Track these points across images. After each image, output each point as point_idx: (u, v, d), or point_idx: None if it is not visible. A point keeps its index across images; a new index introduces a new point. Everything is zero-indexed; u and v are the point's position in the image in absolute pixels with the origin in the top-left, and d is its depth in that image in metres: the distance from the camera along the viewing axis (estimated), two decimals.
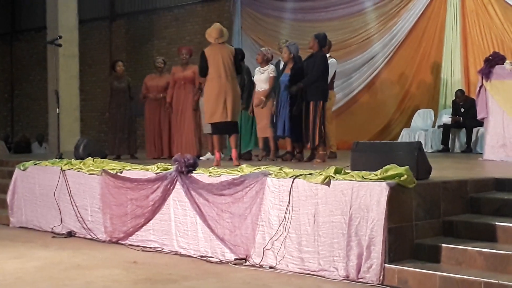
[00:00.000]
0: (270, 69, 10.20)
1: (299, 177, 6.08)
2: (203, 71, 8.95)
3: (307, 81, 9.32)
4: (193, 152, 10.77)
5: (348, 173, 5.92)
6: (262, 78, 10.18)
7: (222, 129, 9.00)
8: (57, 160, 9.16)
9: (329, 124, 10.28)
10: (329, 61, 10.33)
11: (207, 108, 8.95)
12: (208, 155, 10.85)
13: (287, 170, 6.36)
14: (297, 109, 9.46)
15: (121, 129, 11.68)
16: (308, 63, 9.51)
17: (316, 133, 9.24)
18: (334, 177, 5.84)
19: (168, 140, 11.33)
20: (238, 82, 9.23)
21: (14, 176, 9.41)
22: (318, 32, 10.08)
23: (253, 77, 10.53)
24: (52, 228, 8.61)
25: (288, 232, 6.07)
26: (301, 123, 9.41)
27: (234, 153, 8.90)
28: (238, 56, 9.13)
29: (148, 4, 19.08)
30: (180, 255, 6.99)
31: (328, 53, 10.70)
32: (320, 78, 9.36)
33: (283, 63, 10.27)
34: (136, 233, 7.58)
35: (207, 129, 10.50)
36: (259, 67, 10.36)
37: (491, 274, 5.11)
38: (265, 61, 10.28)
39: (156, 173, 7.44)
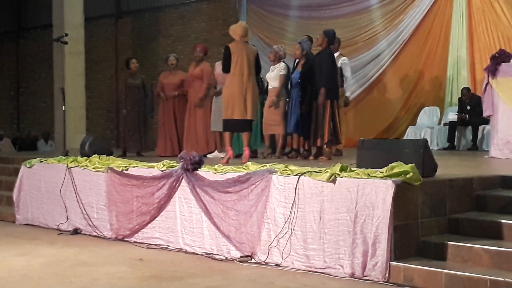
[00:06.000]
0: (280, 67, 10.16)
1: (305, 174, 6.08)
2: (227, 66, 8.87)
3: (321, 84, 9.25)
4: (207, 149, 10.80)
5: (354, 170, 5.91)
6: (271, 76, 10.15)
7: (235, 126, 8.95)
8: (63, 157, 9.17)
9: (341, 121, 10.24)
10: (341, 60, 10.36)
11: (228, 104, 8.87)
12: (216, 153, 10.83)
13: (292, 167, 6.36)
14: (306, 107, 9.46)
15: (134, 127, 11.66)
16: (316, 61, 9.47)
17: (325, 131, 9.21)
18: (339, 175, 5.84)
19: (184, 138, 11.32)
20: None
21: (20, 174, 9.42)
22: (323, 29, 10.05)
23: (262, 76, 10.55)
24: (58, 226, 8.62)
25: (293, 230, 6.07)
26: (311, 121, 9.41)
27: (247, 152, 8.81)
28: (259, 57, 9.14)
29: (153, 2, 19.10)
30: (186, 252, 6.99)
31: (337, 51, 10.69)
32: (330, 77, 9.32)
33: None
34: (141, 230, 7.59)
35: (215, 126, 10.50)
36: (273, 65, 10.37)
37: (497, 271, 5.10)
38: (277, 59, 10.25)
39: (162, 171, 7.45)
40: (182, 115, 11.39)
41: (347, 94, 10.95)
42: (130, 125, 11.71)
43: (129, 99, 11.77)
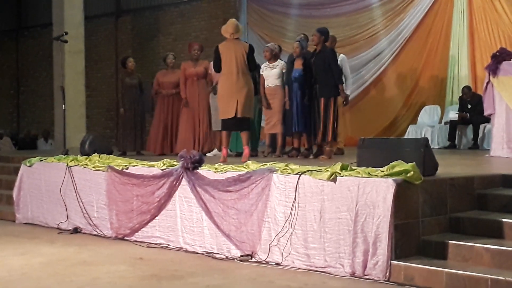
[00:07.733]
0: (282, 64, 10.16)
1: (305, 173, 6.07)
2: (217, 66, 8.91)
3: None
4: (206, 148, 10.83)
5: (355, 169, 5.90)
6: (274, 73, 10.11)
7: (233, 125, 8.94)
8: (63, 156, 9.16)
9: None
10: (340, 58, 10.36)
11: (220, 104, 8.94)
12: (215, 151, 10.83)
13: (293, 166, 6.35)
14: (309, 103, 9.45)
15: (133, 126, 11.66)
16: (317, 59, 9.42)
17: (329, 129, 9.21)
18: (340, 174, 5.83)
19: (182, 137, 11.25)
20: (251, 78, 9.14)
21: (20, 172, 9.41)
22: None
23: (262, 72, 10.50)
24: (58, 224, 8.61)
25: (294, 229, 6.06)
26: (313, 119, 9.40)
27: (246, 151, 8.80)
28: (252, 52, 9.08)
29: (153, 0, 19.10)
30: (186, 251, 6.98)
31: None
32: (331, 74, 9.31)
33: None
34: (142, 229, 7.58)
35: (216, 125, 10.49)
36: (267, 62, 10.32)
37: (498, 270, 5.09)
38: (274, 57, 10.25)
39: (162, 170, 7.44)
40: (179, 113, 11.37)
41: (347, 92, 10.92)
42: (127, 124, 11.72)
43: (127, 98, 11.77)
